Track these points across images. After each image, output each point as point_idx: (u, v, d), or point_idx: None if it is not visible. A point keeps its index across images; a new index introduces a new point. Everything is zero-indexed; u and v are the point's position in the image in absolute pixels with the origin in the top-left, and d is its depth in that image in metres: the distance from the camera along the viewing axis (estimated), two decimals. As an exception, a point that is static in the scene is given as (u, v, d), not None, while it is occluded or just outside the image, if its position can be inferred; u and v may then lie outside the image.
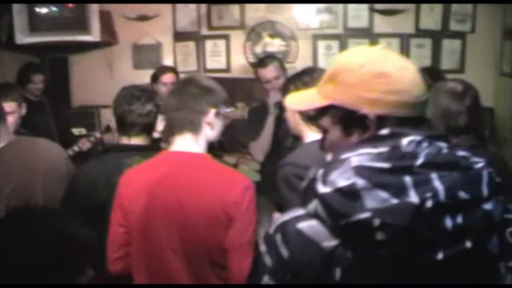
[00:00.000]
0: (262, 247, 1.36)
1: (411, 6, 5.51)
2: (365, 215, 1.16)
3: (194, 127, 2.25)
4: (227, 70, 5.85)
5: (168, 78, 4.87)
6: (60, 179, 2.89)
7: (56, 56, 5.81)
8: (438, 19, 5.51)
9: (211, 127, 2.28)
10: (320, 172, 1.26)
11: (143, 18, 5.79)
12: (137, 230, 2.24)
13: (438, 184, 1.18)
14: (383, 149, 1.25)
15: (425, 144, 1.26)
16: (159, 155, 2.33)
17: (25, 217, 1.25)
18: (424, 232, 1.17)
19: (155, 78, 4.89)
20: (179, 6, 5.82)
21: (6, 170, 2.78)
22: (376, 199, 1.17)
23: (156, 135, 4.60)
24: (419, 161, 1.21)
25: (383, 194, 1.17)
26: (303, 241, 1.26)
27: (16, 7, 4.90)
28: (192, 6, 5.81)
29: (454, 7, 5.46)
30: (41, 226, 1.22)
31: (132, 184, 2.26)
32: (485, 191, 1.22)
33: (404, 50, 5.55)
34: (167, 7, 5.82)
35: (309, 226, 1.27)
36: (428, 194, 1.17)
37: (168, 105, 2.30)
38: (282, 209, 2.24)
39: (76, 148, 4.53)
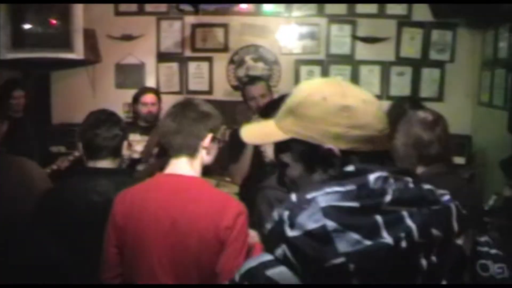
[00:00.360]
0: None
1: (392, 35, 5.60)
2: (339, 260, 1.10)
3: (191, 151, 2.27)
4: (210, 92, 5.88)
5: (148, 98, 4.92)
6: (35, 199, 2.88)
7: (38, 72, 5.78)
8: (418, 48, 5.60)
9: (207, 152, 2.31)
10: (286, 213, 1.17)
11: (127, 37, 5.82)
12: (130, 250, 2.24)
13: (410, 223, 1.15)
14: (350, 187, 1.19)
15: (391, 180, 1.21)
16: (154, 177, 2.34)
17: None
18: (399, 273, 1.13)
19: (135, 99, 4.94)
20: (164, 27, 5.86)
21: None
22: (348, 242, 1.11)
23: (135, 155, 4.62)
24: (388, 198, 1.17)
25: (355, 236, 1.11)
26: None
27: (0, 23, 4.89)
28: (176, 27, 5.85)
29: (435, 36, 5.56)
30: (14, 244, 1.22)
31: (127, 205, 2.26)
32: (455, 226, 1.21)
33: (385, 78, 5.63)
34: (152, 27, 5.86)
35: (279, 273, 1.17)
36: (402, 234, 1.13)
37: (166, 128, 2.30)
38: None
39: (54, 167, 4.49)
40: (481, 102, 5.21)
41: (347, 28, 5.68)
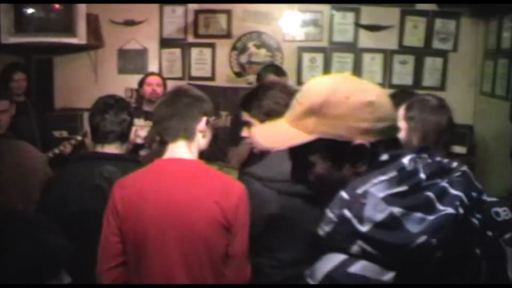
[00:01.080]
0: None
1: (396, 23, 5.59)
2: (422, 238, 1.17)
3: (188, 134, 2.28)
4: (212, 78, 5.89)
5: (153, 79, 4.98)
6: (38, 184, 2.90)
7: (41, 57, 5.79)
8: (422, 37, 5.59)
9: (203, 135, 2.33)
10: (347, 212, 1.23)
11: (130, 23, 5.82)
12: (133, 238, 2.22)
13: (455, 191, 1.24)
14: (391, 173, 1.26)
15: (418, 159, 1.30)
16: (153, 163, 2.33)
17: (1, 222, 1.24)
18: (466, 236, 1.23)
19: (141, 82, 4.98)
20: (167, 12, 5.85)
21: None
22: (415, 222, 1.19)
23: (139, 141, 4.63)
24: (422, 175, 1.24)
25: (418, 215, 1.19)
26: (362, 283, 1.22)
27: (2, 7, 4.89)
28: (179, 13, 5.84)
29: (438, 25, 5.55)
30: (15, 233, 1.21)
31: (126, 192, 2.25)
32: (479, 186, 1.31)
33: (387, 66, 5.63)
34: (155, 13, 5.85)
35: (362, 267, 1.22)
36: (457, 203, 1.22)
37: (161, 114, 2.32)
38: None
39: (56, 151, 4.49)
40: (483, 92, 5.22)
41: (350, 16, 5.67)
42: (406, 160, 1.28)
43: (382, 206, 1.20)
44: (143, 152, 4.58)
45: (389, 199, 1.21)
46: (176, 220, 2.16)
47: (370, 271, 1.21)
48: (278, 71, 4.53)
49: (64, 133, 5.42)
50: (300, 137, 1.36)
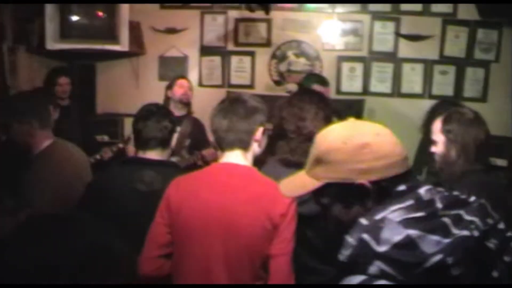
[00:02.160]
0: None
1: (437, 33, 5.55)
2: (438, 257, 1.24)
3: (244, 145, 2.35)
4: (251, 86, 5.93)
5: (184, 82, 4.95)
6: (84, 186, 2.97)
7: (84, 63, 5.92)
8: (463, 47, 5.54)
9: (259, 144, 2.40)
10: (366, 235, 1.31)
11: (171, 31, 5.90)
12: (180, 233, 2.31)
13: (471, 218, 1.31)
14: (409, 202, 1.35)
15: (434, 191, 1.40)
16: (209, 166, 2.45)
17: (67, 224, 1.26)
18: (483, 257, 1.28)
19: (170, 85, 4.96)
20: (207, 20, 5.92)
21: (53, 171, 2.90)
22: (431, 244, 1.25)
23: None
24: (439, 205, 1.34)
25: (435, 237, 1.26)
26: None
27: (48, 14, 5.01)
28: (220, 21, 5.91)
29: (480, 35, 5.48)
30: (79, 235, 1.23)
31: (180, 189, 2.34)
32: (495, 214, 1.36)
33: (428, 76, 5.58)
34: (196, 21, 5.92)
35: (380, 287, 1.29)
36: (472, 226, 1.29)
37: (217, 125, 2.38)
38: None
39: (97, 157, 4.55)
40: (525, 103, 5.12)
41: (390, 25, 5.65)
42: (422, 190, 1.39)
43: (400, 229, 1.28)
44: (172, 159, 4.62)
45: (406, 223, 1.29)
46: (222, 221, 2.22)
47: None
48: (322, 81, 4.51)
49: (106, 138, 5.50)
50: (310, 184, 1.53)
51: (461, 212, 1.32)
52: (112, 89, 6.00)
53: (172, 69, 5.95)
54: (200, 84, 5.97)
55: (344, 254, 1.37)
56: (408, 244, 1.26)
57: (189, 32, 5.93)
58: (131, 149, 4.79)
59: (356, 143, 1.45)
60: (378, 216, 1.34)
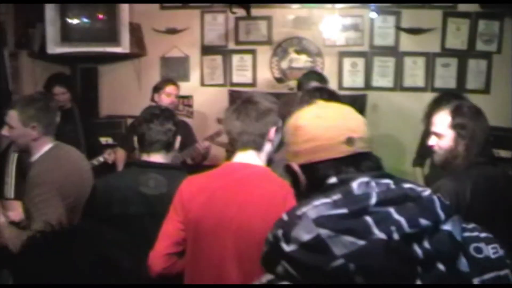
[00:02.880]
0: None
1: (438, 25, 5.53)
2: (338, 262, 1.14)
3: (257, 146, 2.37)
4: (253, 84, 5.93)
5: (173, 89, 4.86)
6: (85, 190, 2.98)
7: (86, 66, 5.93)
8: (465, 39, 5.52)
9: (272, 143, 2.41)
10: (280, 232, 1.24)
11: (171, 31, 5.90)
12: (193, 229, 2.32)
13: (398, 217, 1.20)
14: (336, 197, 1.26)
15: (373, 184, 1.30)
16: (222, 165, 2.45)
17: (74, 240, 1.25)
18: (399, 264, 1.17)
19: (158, 88, 4.85)
20: (207, 20, 5.92)
21: (53, 175, 2.91)
22: (343, 245, 1.16)
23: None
24: (373, 200, 1.23)
25: (349, 238, 1.16)
26: None
27: (48, 18, 5.02)
28: (220, 20, 5.90)
29: (481, 27, 5.47)
30: (85, 252, 1.23)
31: (193, 186, 2.36)
32: (441, 214, 1.25)
33: (430, 69, 5.57)
34: (196, 20, 5.93)
35: None
36: (393, 228, 1.18)
37: (231, 127, 2.40)
38: None
39: (101, 159, 4.55)
40: (529, 94, 5.10)
41: (391, 19, 5.63)
42: (356, 184, 1.30)
43: (311, 227, 1.19)
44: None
45: (321, 221, 1.19)
46: (235, 218, 2.24)
47: None
48: (321, 78, 4.51)
49: (109, 140, 5.52)
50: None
51: (391, 210, 1.21)
52: (115, 91, 6.02)
53: (174, 69, 5.97)
54: (202, 84, 5.99)
55: (263, 251, 1.31)
56: (316, 244, 1.17)
57: (190, 32, 5.93)
58: (120, 153, 4.79)
59: (293, 124, 1.48)
60: (299, 212, 1.24)
